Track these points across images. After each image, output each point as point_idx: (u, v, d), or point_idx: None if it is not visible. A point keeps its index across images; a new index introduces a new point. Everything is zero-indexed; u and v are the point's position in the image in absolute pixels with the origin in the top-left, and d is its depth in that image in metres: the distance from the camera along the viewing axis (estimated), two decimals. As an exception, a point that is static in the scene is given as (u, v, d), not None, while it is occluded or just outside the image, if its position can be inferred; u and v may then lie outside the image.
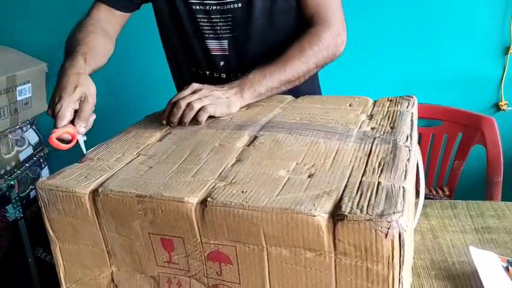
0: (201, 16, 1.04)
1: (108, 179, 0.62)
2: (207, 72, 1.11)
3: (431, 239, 0.93)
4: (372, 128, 0.74)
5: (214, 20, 1.04)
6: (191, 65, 1.13)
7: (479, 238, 0.92)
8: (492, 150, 1.49)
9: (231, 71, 1.09)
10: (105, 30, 1.04)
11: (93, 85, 0.82)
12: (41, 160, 2.09)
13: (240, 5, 1.02)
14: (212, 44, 1.07)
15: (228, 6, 1.02)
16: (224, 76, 1.10)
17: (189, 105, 0.82)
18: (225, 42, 1.06)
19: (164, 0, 1.07)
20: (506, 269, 0.80)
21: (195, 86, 0.87)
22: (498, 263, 0.81)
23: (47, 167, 2.12)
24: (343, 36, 1.02)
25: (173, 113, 0.82)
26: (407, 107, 0.82)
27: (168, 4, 1.07)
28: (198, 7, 1.04)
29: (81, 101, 0.78)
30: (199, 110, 0.82)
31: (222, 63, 1.09)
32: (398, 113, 0.80)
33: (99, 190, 0.60)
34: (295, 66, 0.95)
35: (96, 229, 0.62)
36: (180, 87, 0.96)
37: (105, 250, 0.63)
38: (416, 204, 0.79)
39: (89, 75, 0.85)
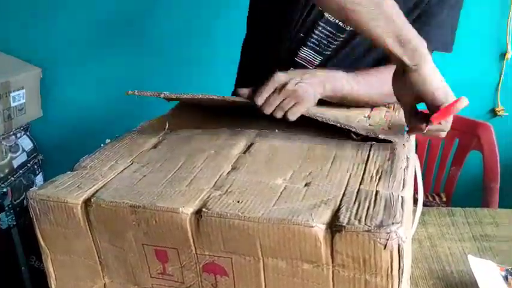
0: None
1: (101, 189, 0.61)
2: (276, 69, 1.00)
3: (429, 247, 0.92)
4: (370, 125, 0.73)
5: (325, 33, 0.97)
6: (266, 57, 1.05)
7: (477, 246, 0.91)
8: (489, 156, 1.48)
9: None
10: None
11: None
12: (35, 167, 2.07)
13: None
14: (305, 53, 1.00)
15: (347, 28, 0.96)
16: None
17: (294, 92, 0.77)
18: (319, 59, 1.00)
19: None
20: (505, 278, 0.79)
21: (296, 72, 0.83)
22: (497, 272, 0.80)
23: (41, 173, 2.10)
24: None
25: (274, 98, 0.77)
26: (404, 114, 0.82)
27: None
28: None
29: None
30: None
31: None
32: (396, 118, 0.79)
33: (92, 200, 0.58)
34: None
35: (89, 240, 0.61)
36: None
37: (98, 261, 0.62)
38: (414, 212, 0.79)
39: None
